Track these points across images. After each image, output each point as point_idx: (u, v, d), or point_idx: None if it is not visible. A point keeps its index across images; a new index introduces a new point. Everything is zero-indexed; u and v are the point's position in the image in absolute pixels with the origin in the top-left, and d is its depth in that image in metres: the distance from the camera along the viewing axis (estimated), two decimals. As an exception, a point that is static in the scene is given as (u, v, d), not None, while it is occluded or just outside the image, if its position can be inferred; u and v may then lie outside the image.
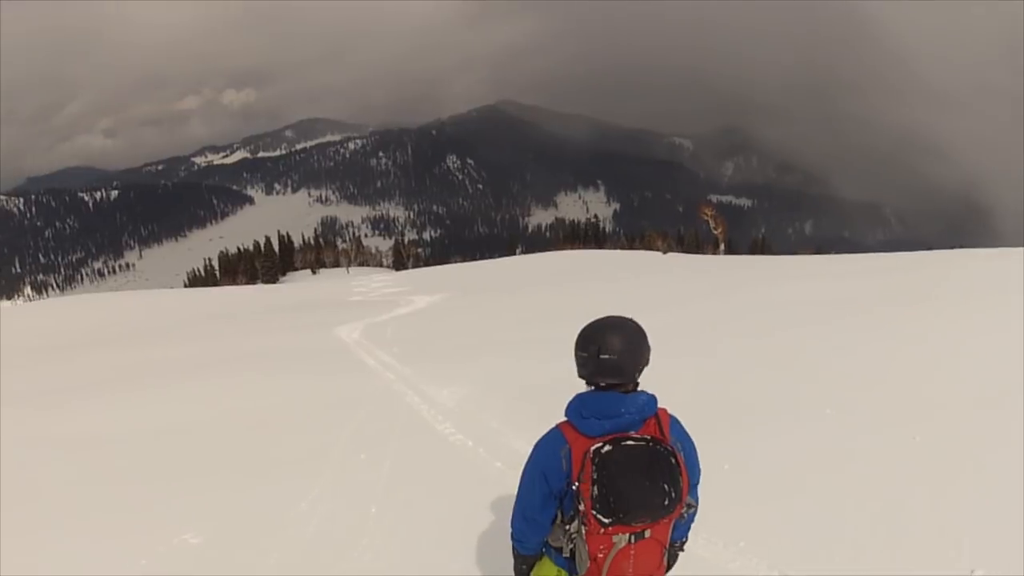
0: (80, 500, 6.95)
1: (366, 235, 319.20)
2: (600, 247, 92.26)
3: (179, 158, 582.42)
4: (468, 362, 12.70)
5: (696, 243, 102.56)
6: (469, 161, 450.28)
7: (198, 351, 18.16)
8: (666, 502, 2.87)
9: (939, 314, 11.55)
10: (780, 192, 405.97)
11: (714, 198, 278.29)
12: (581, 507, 2.92)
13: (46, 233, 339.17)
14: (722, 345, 11.40)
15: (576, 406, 3.04)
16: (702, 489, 3.36)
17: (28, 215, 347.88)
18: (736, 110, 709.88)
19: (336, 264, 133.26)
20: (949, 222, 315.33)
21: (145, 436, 9.36)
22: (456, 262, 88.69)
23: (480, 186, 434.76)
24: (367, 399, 10.33)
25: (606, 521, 2.86)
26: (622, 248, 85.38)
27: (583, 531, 2.97)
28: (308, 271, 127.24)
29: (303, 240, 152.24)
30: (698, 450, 3.21)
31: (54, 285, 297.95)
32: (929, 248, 32.86)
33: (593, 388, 3.06)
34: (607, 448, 2.87)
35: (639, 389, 3.06)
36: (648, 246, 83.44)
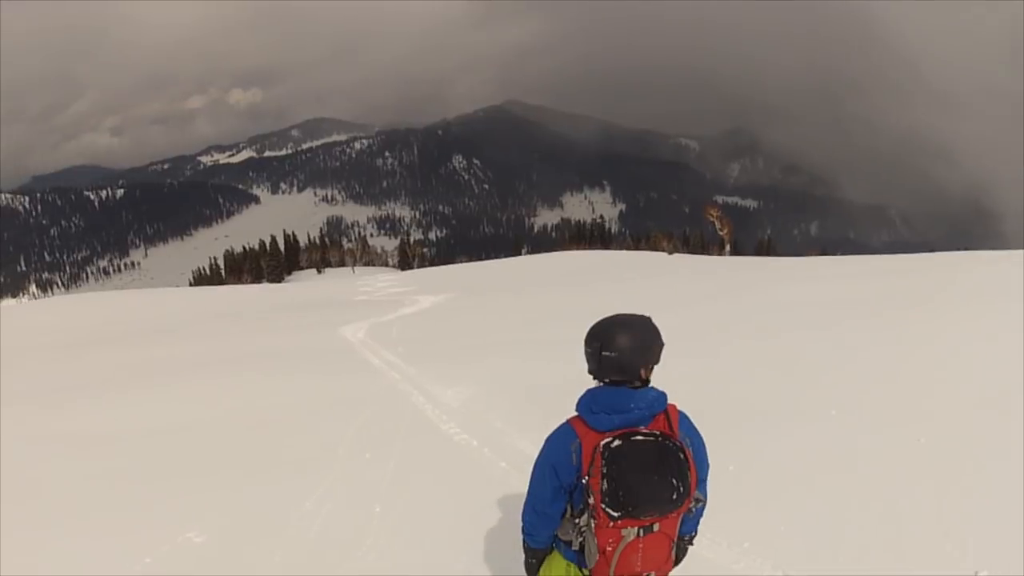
0: (83, 498, 6.97)
1: (372, 235, 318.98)
2: (606, 248, 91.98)
3: (185, 157, 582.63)
4: (473, 362, 12.69)
5: (702, 244, 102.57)
6: (475, 161, 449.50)
7: (203, 350, 18.18)
8: (674, 496, 2.91)
9: (943, 317, 11.54)
10: (786, 193, 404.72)
11: (720, 199, 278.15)
12: (591, 500, 2.95)
13: (51, 231, 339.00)
14: (727, 346, 11.39)
15: (587, 401, 3.09)
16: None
17: (33, 213, 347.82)
18: (742, 111, 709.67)
19: (341, 264, 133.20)
20: (954, 224, 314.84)
21: (149, 434, 9.37)
22: (462, 262, 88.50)
23: (486, 186, 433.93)
24: (372, 399, 10.33)
25: (615, 515, 2.89)
26: (628, 249, 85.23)
27: (592, 524, 3.00)
28: (313, 270, 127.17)
29: (309, 239, 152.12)
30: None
31: (59, 283, 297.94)
32: (934, 250, 32.78)
33: (604, 383, 3.11)
34: (617, 443, 2.91)
35: (650, 385, 3.10)
36: (654, 247, 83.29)
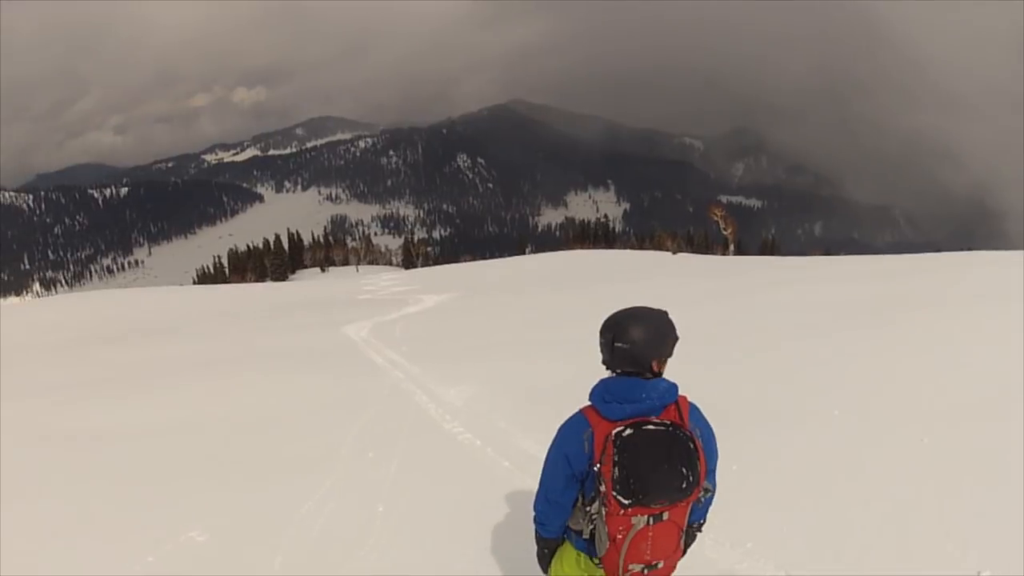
0: (86, 497, 6.97)
1: (376, 233, 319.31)
2: (610, 247, 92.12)
3: (189, 155, 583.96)
4: (477, 362, 12.70)
5: (706, 243, 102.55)
6: (479, 160, 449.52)
7: (206, 349, 18.22)
8: (684, 485, 2.95)
9: (947, 318, 11.52)
10: (790, 193, 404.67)
11: (724, 199, 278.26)
12: (602, 488, 2.98)
13: (55, 230, 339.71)
14: (730, 347, 11.37)
15: (599, 391, 3.13)
16: (710, 490, 3.44)
17: (37, 212, 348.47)
18: (747, 111, 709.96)
19: (345, 262, 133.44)
20: (959, 225, 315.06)
21: (151, 433, 9.39)
22: (466, 261, 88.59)
23: (490, 185, 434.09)
24: (375, 398, 10.34)
25: (626, 502, 2.93)
26: (632, 248, 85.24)
27: (603, 512, 3.03)
28: (317, 269, 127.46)
29: (313, 238, 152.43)
30: None
31: (63, 282, 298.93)
32: (938, 250, 32.76)
33: (616, 374, 3.16)
34: (628, 431, 2.95)
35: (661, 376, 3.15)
36: (658, 246, 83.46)
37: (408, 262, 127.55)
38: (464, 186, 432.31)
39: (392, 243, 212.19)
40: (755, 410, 7.65)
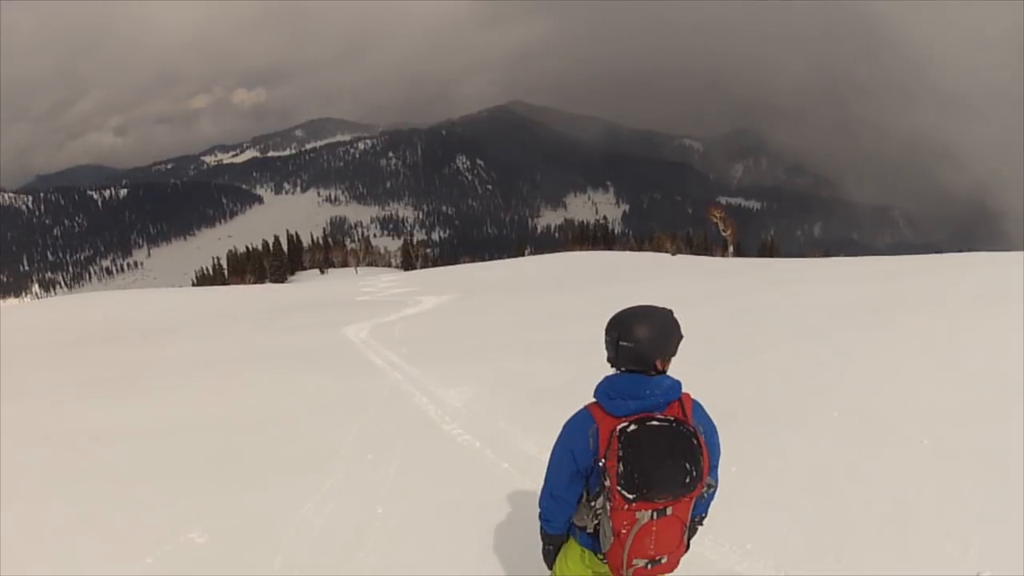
0: (85, 497, 6.97)
1: (375, 235, 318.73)
2: (609, 249, 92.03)
3: (189, 157, 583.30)
4: (476, 363, 12.69)
5: (705, 245, 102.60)
6: (479, 162, 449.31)
7: (205, 350, 18.22)
8: (687, 480, 2.99)
9: (946, 318, 11.52)
10: (789, 194, 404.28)
11: (723, 200, 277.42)
12: (607, 483, 3.04)
13: (54, 231, 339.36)
14: (730, 348, 11.37)
15: (604, 387, 3.18)
16: (710, 491, 3.47)
17: (37, 213, 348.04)
18: (747, 112, 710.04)
19: (344, 264, 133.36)
20: (959, 226, 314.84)
21: (150, 434, 9.38)
22: (465, 263, 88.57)
23: (489, 187, 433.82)
24: (374, 399, 10.33)
25: (630, 497, 2.97)
26: (631, 250, 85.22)
27: (608, 507, 3.08)
28: (316, 271, 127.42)
29: (312, 240, 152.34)
30: None
31: (62, 283, 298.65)
32: (938, 251, 32.77)
33: (620, 371, 3.21)
34: (633, 427, 3.00)
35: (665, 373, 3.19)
36: (657, 248, 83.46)
37: (407, 264, 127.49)
38: (463, 188, 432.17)
39: (391, 245, 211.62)
40: (755, 411, 7.64)
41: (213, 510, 6.38)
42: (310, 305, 31.89)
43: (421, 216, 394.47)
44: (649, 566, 3.15)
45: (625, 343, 3.13)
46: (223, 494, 6.82)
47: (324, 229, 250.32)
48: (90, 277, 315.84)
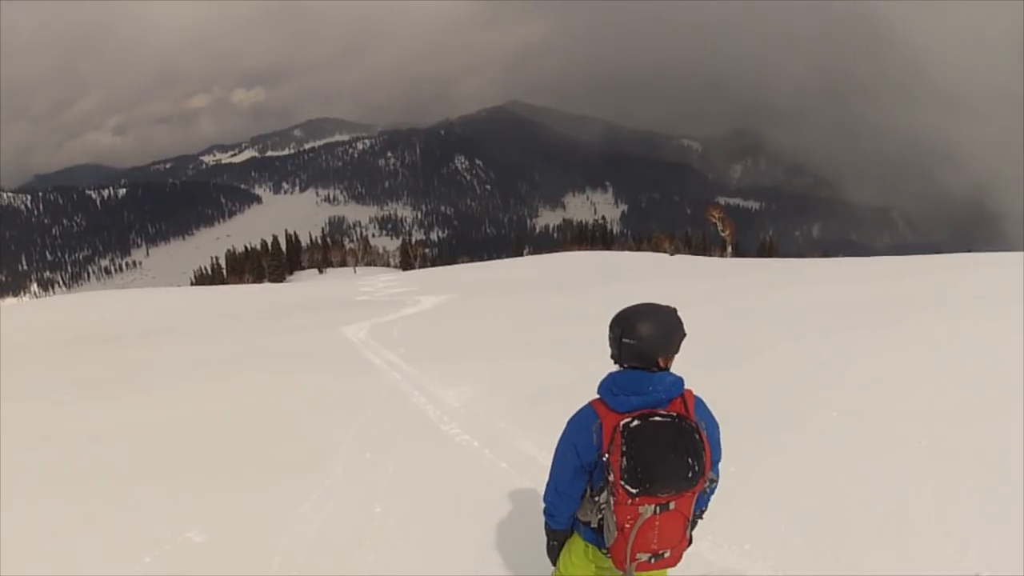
0: (84, 497, 6.96)
1: (373, 235, 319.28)
2: (607, 249, 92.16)
3: (187, 156, 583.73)
4: (475, 363, 12.69)
5: (704, 245, 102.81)
6: (477, 162, 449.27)
7: (204, 350, 18.22)
8: (690, 475, 3.05)
9: (945, 319, 11.52)
10: (788, 195, 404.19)
11: (722, 200, 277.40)
12: (610, 478, 3.08)
13: (53, 230, 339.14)
14: (728, 348, 11.35)
15: (608, 384, 3.24)
16: (709, 491, 3.50)
17: (35, 212, 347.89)
18: (746, 113, 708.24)
19: (343, 264, 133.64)
20: (958, 227, 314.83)
21: (149, 433, 9.37)
22: (463, 262, 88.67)
23: (488, 187, 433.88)
24: (373, 399, 10.32)
25: (634, 491, 3.03)
26: (629, 250, 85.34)
27: (612, 502, 3.11)
28: (315, 270, 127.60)
29: (310, 239, 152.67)
30: None
31: (61, 282, 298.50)
32: (937, 252, 32.80)
33: (624, 367, 3.25)
34: (636, 423, 3.05)
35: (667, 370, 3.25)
36: (656, 248, 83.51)
37: (406, 263, 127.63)
38: (462, 187, 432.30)
39: (390, 244, 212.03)
40: (754, 411, 7.63)
41: (212, 509, 6.37)
42: (309, 305, 31.88)
43: (420, 216, 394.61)
44: (652, 560, 3.20)
45: (628, 340, 3.17)
46: (222, 493, 6.81)
47: (323, 229, 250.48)
48: (89, 276, 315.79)
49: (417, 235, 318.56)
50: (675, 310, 3.29)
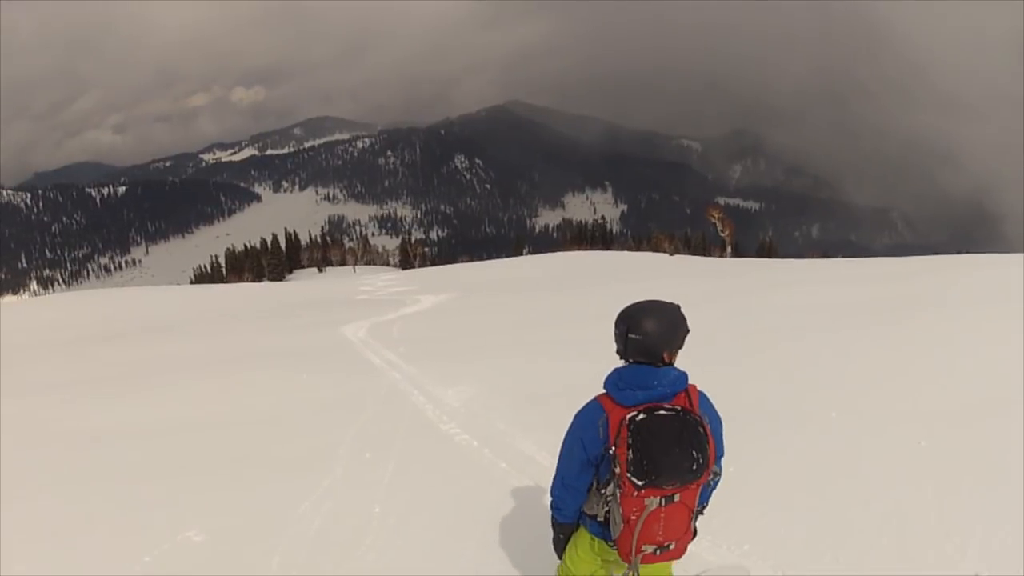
0: (84, 496, 6.95)
1: (373, 234, 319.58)
2: (607, 248, 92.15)
3: (187, 155, 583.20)
4: (474, 362, 12.68)
5: (703, 245, 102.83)
6: (477, 161, 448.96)
7: (203, 348, 18.21)
8: (694, 467, 3.12)
9: (944, 320, 11.53)
10: (788, 195, 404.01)
11: (722, 200, 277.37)
12: (617, 470, 3.15)
13: (53, 228, 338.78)
14: (727, 349, 11.35)
15: (614, 379, 3.32)
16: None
17: (35, 210, 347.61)
18: (746, 113, 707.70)
19: (343, 263, 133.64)
20: (957, 227, 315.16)
21: (148, 433, 9.37)
22: (463, 262, 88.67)
23: (488, 186, 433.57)
24: (372, 398, 10.32)
25: (639, 483, 3.10)
26: (629, 250, 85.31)
27: (618, 495, 3.20)
28: (314, 269, 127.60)
29: (310, 238, 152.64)
30: None
31: (60, 280, 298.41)
32: (936, 253, 32.80)
33: (629, 363, 3.34)
34: (641, 416, 3.12)
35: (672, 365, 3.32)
36: (655, 248, 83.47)
37: (405, 263, 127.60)
38: (462, 187, 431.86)
39: (389, 243, 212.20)
40: (754, 411, 7.63)
41: (211, 509, 6.37)
42: (308, 304, 31.85)
43: (419, 215, 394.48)
44: (657, 552, 3.27)
45: (634, 335, 3.25)
46: (221, 493, 6.80)
47: (322, 228, 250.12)
48: (88, 275, 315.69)
49: (417, 234, 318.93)
50: (679, 307, 3.38)
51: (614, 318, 3.41)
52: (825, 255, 67.24)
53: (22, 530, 6.15)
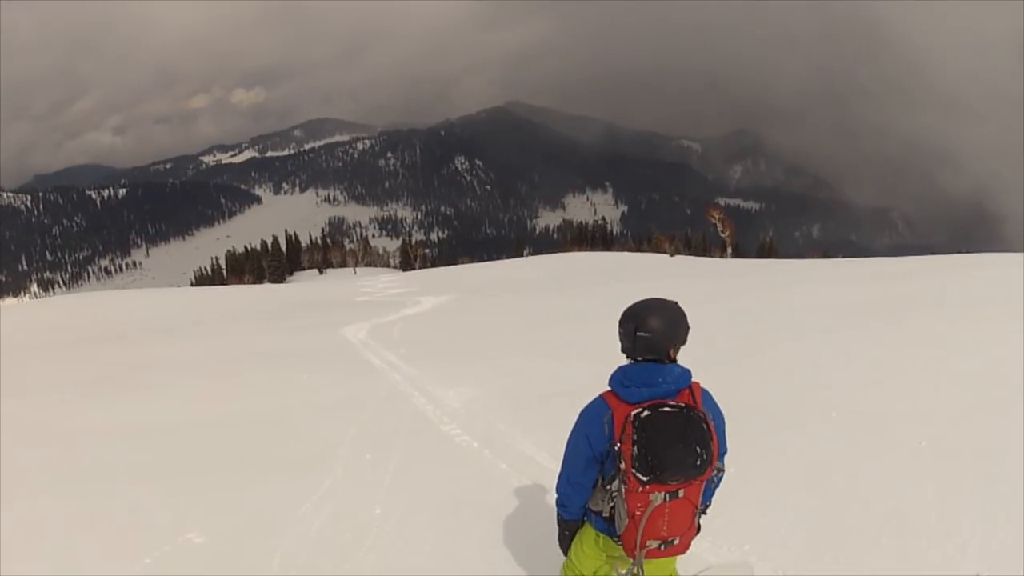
0: (85, 497, 6.95)
1: (373, 235, 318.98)
2: (607, 249, 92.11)
3: (187, 156, 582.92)
4: (475, 363, 12.69)
5: (703, 246, 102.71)
6: (477, 162, 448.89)
7: (204, 350, 18.20)
8: (698, 463, 3.16)
9: (944, 320, 11.50)
10: (788, 196, 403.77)
11: (722, 201, 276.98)
12: (622, 466, 3.21)
13: (53, 231, 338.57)
14: (728, 349, 11.34)
15: (619, 376, 3.37)
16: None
17: (35, 213, 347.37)
18: (746, 113, 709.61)
19: (343, 264, 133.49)
20: (957, 228, 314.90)
21: (148, 433, 9.37)
22: (463, 263, 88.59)
23: (488, 187, 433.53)
24: (373, 399, 10.32)
25: (644, 479, 3.15)
26: (629, 250, 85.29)
27: (623, 490, 3.25)
28: (315, 271, 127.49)
29: (310, 240, 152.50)
30: None
31: (61, 283, 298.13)
32: (936, 253, 32.77)
33: (635, 361, 3.39)
34: (646, 413, 3.18)
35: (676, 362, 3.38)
36: (656, 248, 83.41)
37: (406, 264, 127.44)
38: (462, 188, 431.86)
39: (390, 245, 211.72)
40: (754, 411, 7.62)
41: (212, 510, 6.37)
42: (309, 305, 31.88)
43: (420, 216, 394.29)
44: (662, 547, 3.31)
45: (643, 333, 3.30)
46: (222, 493, 6.80)
47: (323, 229, 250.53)
48: (88, 277, 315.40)
49: (417, 236, 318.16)
50: (678, 303, 3.44)
51: (615, 319, 3.46)
52: (825, 255, 67.22)
53: (22, 530, 6.15)
